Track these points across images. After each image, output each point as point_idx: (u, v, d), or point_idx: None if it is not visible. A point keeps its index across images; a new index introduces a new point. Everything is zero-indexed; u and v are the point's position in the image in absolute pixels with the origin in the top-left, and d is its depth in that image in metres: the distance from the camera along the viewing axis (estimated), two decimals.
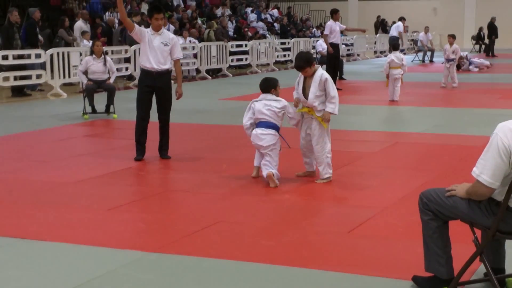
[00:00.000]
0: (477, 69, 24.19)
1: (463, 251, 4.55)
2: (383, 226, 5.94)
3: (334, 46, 17.90)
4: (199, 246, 5.40)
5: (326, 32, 18.07)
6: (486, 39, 34.33)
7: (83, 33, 18.97)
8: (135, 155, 8.76)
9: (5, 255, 5.28)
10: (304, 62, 7.32)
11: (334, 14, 18.10)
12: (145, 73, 8.66)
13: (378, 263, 4.98)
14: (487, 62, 24.92)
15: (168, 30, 21.91)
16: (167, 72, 8.78)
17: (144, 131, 8.78)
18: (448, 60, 18.18)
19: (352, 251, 5.27)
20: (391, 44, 18.42)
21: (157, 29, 8.67)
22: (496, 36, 33.65)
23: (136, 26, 8.63)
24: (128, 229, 5.89)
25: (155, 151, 8.93)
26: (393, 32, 27.39)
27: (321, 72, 7.40)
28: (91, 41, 17.88)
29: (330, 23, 18.00)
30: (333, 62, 17.91)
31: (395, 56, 15.12)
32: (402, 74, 15.09)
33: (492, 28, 33.71)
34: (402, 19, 28.03)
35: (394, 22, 38.94)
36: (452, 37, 18.85)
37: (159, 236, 5.69)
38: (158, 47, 8.59)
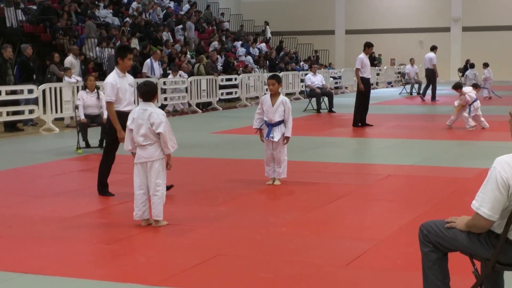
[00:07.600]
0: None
1: (462, 282, 4.65)
2: (381, 259, 6.02)
3: (366, 81, 16.70)
4: (200, 279, 5.47)
5: (357, 66, 16.58)
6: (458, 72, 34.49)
7: (65, 69, 18.45)
8: (104, 194, 8.76)
9: None
10: None
11: (367, 47, 16.62)
12: (121, 115, 8.38)
13: None
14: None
15: (161, 65, 22.10)
16: None
17: None
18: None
19: (352, 284, 5.35)
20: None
21: (127, 69, 8.67)
22: None
23: (113, 97, 8.44)
24: (129, 263, 5.94)
25: None
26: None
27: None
28: (73, 78, 17.92)
29: (362, 56, 16.61)
30: (364, 97, 16.79)
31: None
32: (456, 106, 16.13)
33: None
34: (434, 48, 25.86)
35: (380, 55, 39.52)
36: (458, 88, 16.24)
37: (160, 269, 5.75)
38: (128, 89, 8.62)
